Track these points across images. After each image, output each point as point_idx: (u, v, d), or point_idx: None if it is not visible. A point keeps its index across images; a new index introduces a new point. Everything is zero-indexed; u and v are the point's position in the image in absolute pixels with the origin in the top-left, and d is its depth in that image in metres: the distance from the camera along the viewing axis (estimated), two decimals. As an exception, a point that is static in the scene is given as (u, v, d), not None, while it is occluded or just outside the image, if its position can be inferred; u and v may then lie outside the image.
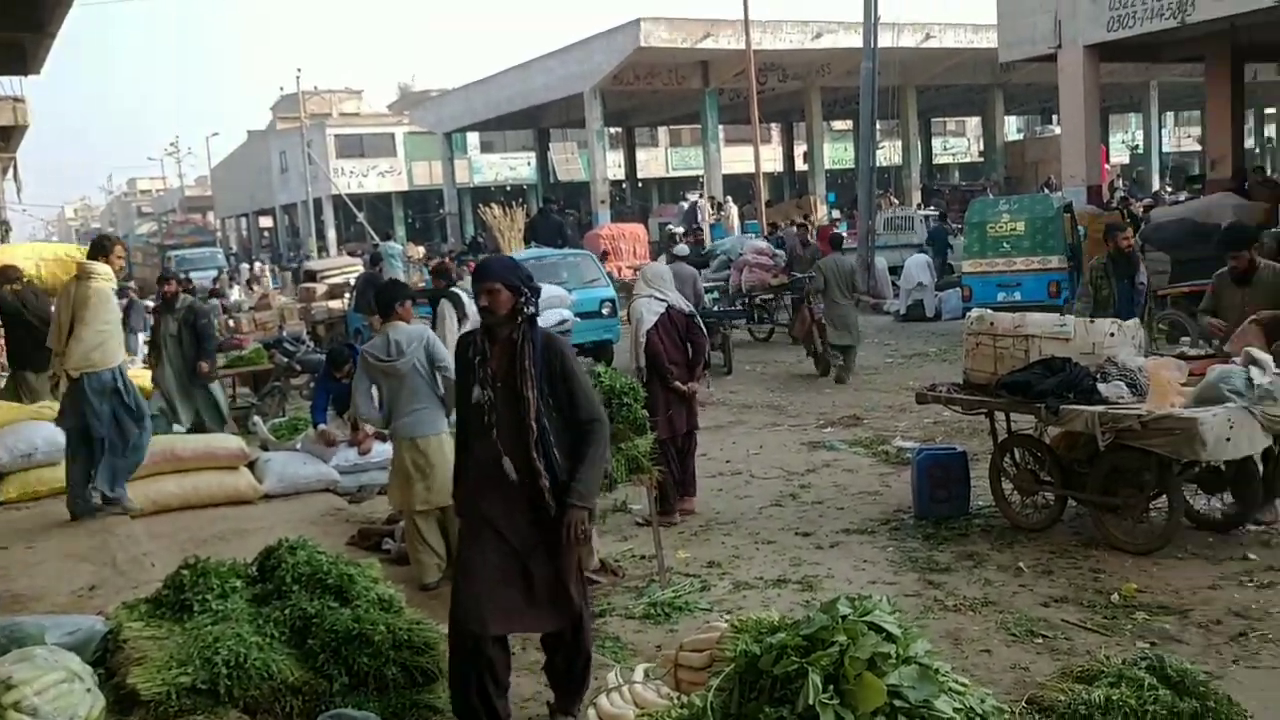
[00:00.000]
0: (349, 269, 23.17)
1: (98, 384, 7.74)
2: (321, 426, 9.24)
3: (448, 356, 6.55)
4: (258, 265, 44.05)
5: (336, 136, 53.46)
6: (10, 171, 25.27)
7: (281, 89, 67.98)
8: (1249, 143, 48.24)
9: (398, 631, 4.69)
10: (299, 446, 9.39)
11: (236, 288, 31.03)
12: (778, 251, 18.68)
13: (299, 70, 73.75)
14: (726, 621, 3.59)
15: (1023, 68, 31.12)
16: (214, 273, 34.71)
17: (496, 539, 4.39)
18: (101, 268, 7.94)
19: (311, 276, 23.77)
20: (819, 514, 7.98)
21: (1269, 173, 29.48)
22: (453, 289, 10.48)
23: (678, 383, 8.00)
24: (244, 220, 71.09)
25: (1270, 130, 53.12)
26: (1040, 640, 5.42)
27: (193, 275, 26.69)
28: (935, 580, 6.39)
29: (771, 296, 17.91)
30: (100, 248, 8.23)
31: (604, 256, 22.57)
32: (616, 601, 6.40)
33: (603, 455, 4.51)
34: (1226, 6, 16.47)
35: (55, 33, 14.11)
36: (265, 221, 68.52)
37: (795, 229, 22.16)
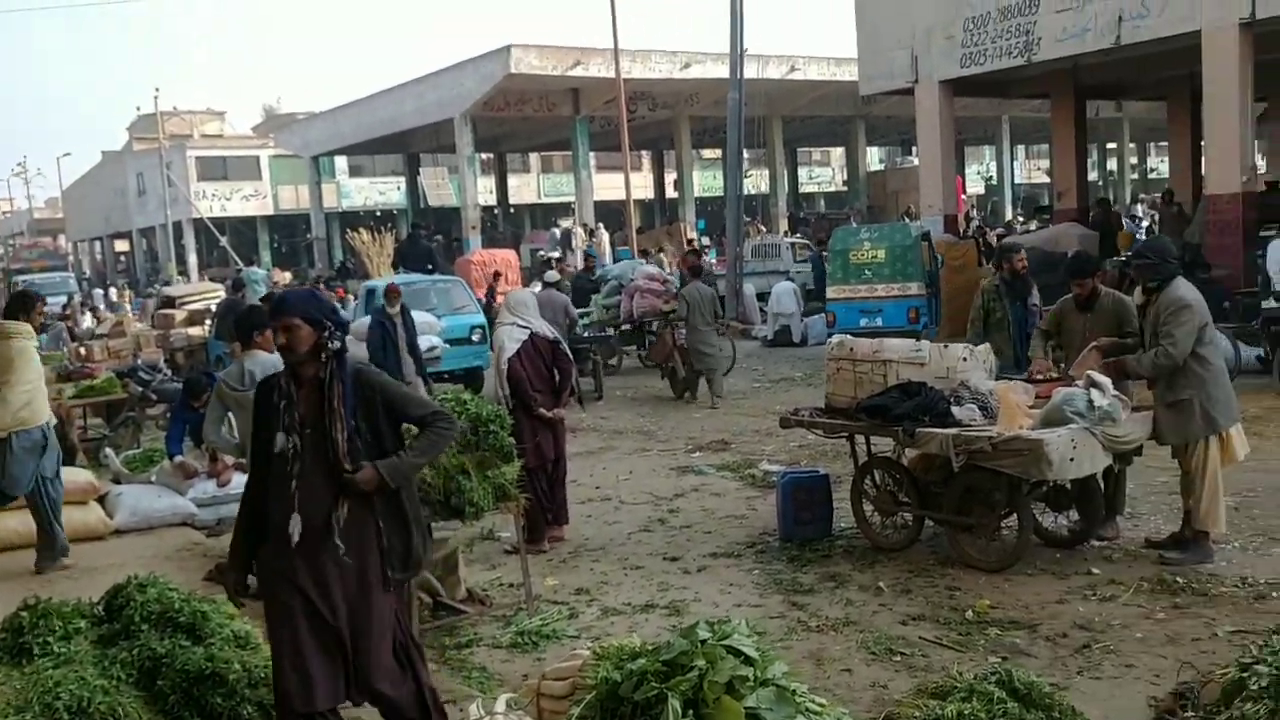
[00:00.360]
0: (210, 295, 22.51)
1: (28, 441, 7.47)
2: (178, 458, 8.93)
3: None
4: (113, 291, 42.50)
5: (198, 158, 51.99)
6: None
7: (139, 109, 65.76)
8: (1093, 175, 50.77)
9: (253, 670, 4.56)
10: (154, 479, 9.05)
11: (88, 314, 29.82)
12: (669, 277, 18.52)
13: (157, 90, 71.56)
14: (589, 649, 3.59)
15: (883, 100, 32.17)
16: (64, 299, 33.30)
17: (308, 607, 4.05)
18: (23, 326, 7.81)
19: (170, 303, 23.01)
20: (687, 538, 8.06)
21: (1113, 203, 30.97)
22: None
23: (542, 409, 7.99)
24: (98, 244, 68.46)
25: (1112, 164, 55.95)
26: (899, 658, 5.56)
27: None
28: (799, 601, 6.50)
29: (662, 322, 16.94)
30: (20, 305, 8.07)
31: (497, 277, 22.48)
32: (484, 631, 6.35)
33: (434, 445, 4.26)
34: (1069, 48, 17.33)
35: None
36: (122, 245, 66.10)
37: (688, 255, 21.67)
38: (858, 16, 20.76)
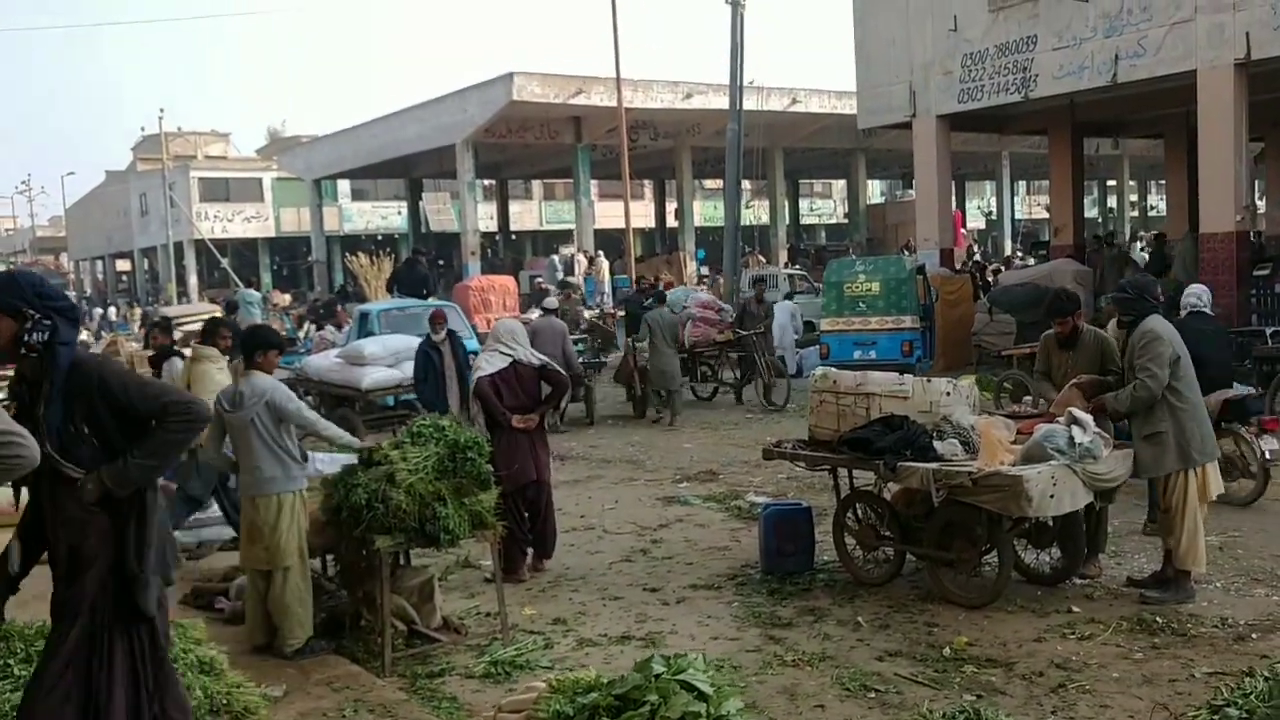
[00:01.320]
0: (205, 316, 22.49)
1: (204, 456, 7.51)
2: (162, 480, 8.88)
3: (295, 409, 6.36)
4: (112, 310, 42.54)
5: (201, 179, 52.13)
6: None
7: (143, 129, 65.90)
8: (1093, 212, 50.91)
9: (215, 695, 4.53)
10: (135, 500, 9.01)
11: (85, 334, 29.84)
12: (724, 306, 17.99)
13: (161, 111, 71.51)
14: (545, 681, 3.55)
15: (883, 134, 32.27)
16: (63, 317, 33.29)
17: (68, 635, 3.66)
18: (210, 351, 9.13)
19: (166, 323, 22.99)
20: (668, 569, 8.00)
21: (1112, 240, 30.99)
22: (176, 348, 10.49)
23: (515, 420, 7.91)
24: (100, 263, 68.59)
25: (1112, 200, 56.10)
26: (873, 695, 5.50)
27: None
28: (776, 635, 6.45)
29: (717, 354, 17.06)
30: (211, 331, 9.41)
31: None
32: (457, 660, 6.29)
33: (165, 444, 3.80)
34: (1066, 85, 17.43)
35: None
36: (123, 265, 66.19)
37: (752, 285, 20.42)
38: (857, 51, 20.88)
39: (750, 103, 25.39)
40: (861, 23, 20.73)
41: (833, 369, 7.90)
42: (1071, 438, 6.29)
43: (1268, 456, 8.58)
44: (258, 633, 6.36)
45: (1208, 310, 8.83)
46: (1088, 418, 6.43)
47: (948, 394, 7.23)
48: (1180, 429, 6.53)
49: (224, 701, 4.53)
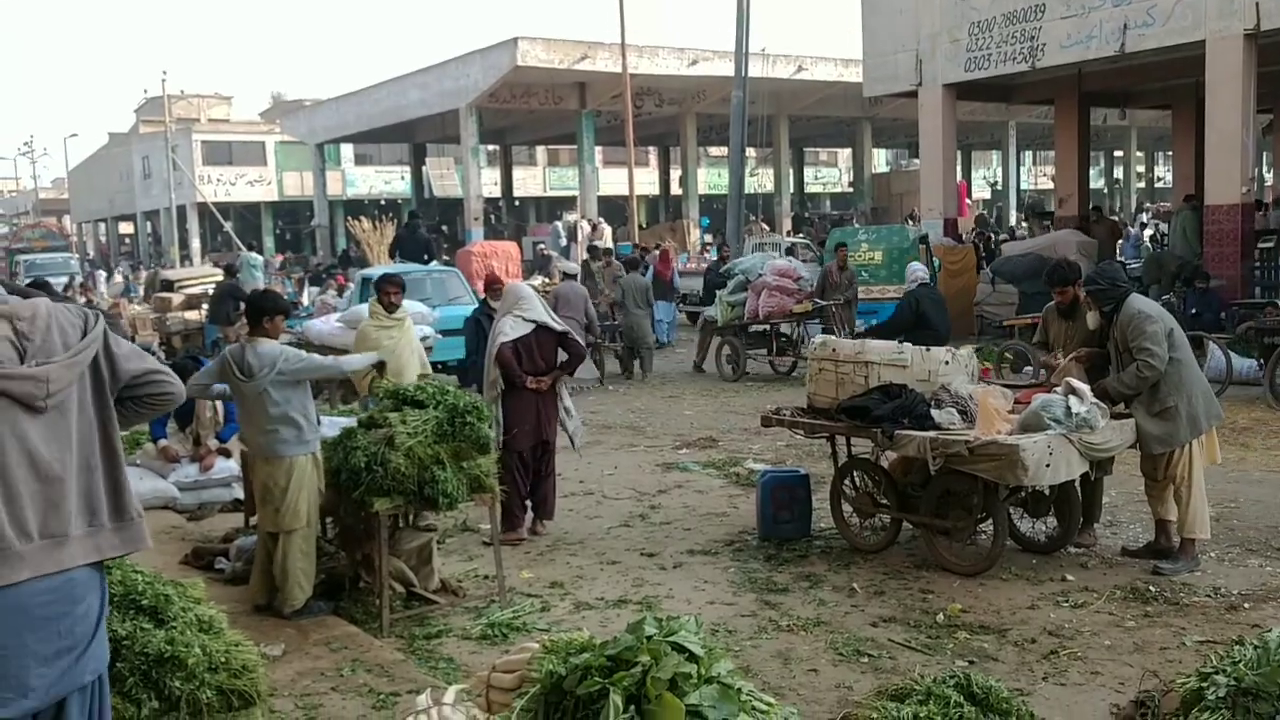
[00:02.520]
0: (207, 279, 22.52)
1: None
2: (162, 442, 8.94)
3: (306, 364, 6.33)
4: (117, 274, 42.51)
5: (204, 143, 52.03)
6: None
7: (146, 91, 65.71)
8: (1100, 183, 50.68)
9: (214, 654, 4.53)
10: (137, 462, 9.06)
11: (84, 296, 29.85)
12: (803, 274, 16.15)
13: (164, 73, 71.44)
14: (539, 642, 3.58)
15: (890, 102, 32.14)
16: (65, 279, 33.34)
17: None
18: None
19: (169, 286, 23.03)
20: (665, 535, 8.04)
21: (1116, 211, 30.90)
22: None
23: (529, 380, 7.99)
24: (103, 226, 68.54)
25: (1119, 171, 55.84)
26: (866, 660, 5.55)
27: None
28: (771, 601, 6.49)
29: (795, 325, 15.63)
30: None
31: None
32: (454, 622, 6.33)
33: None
34: (1073, 54, 17.31)
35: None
36: (126, 228, 66.15)
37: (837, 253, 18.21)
38: (864, 19, 20.74)
39: (756, 70, 25.28)
40: (868, -11, 20.59)
41: (832, 337, 7.90)
42: (1069, 407, 6.31)
43: None
44: (259, 593, 6.40)
45: (928, 280, 12.34)
46: (1085, 388, 6.43)
47: (946, 363, 7.24)
48: (1189, 399, 6.57)
49: (222, 659, 4.54)
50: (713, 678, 3.13)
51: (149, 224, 59.54)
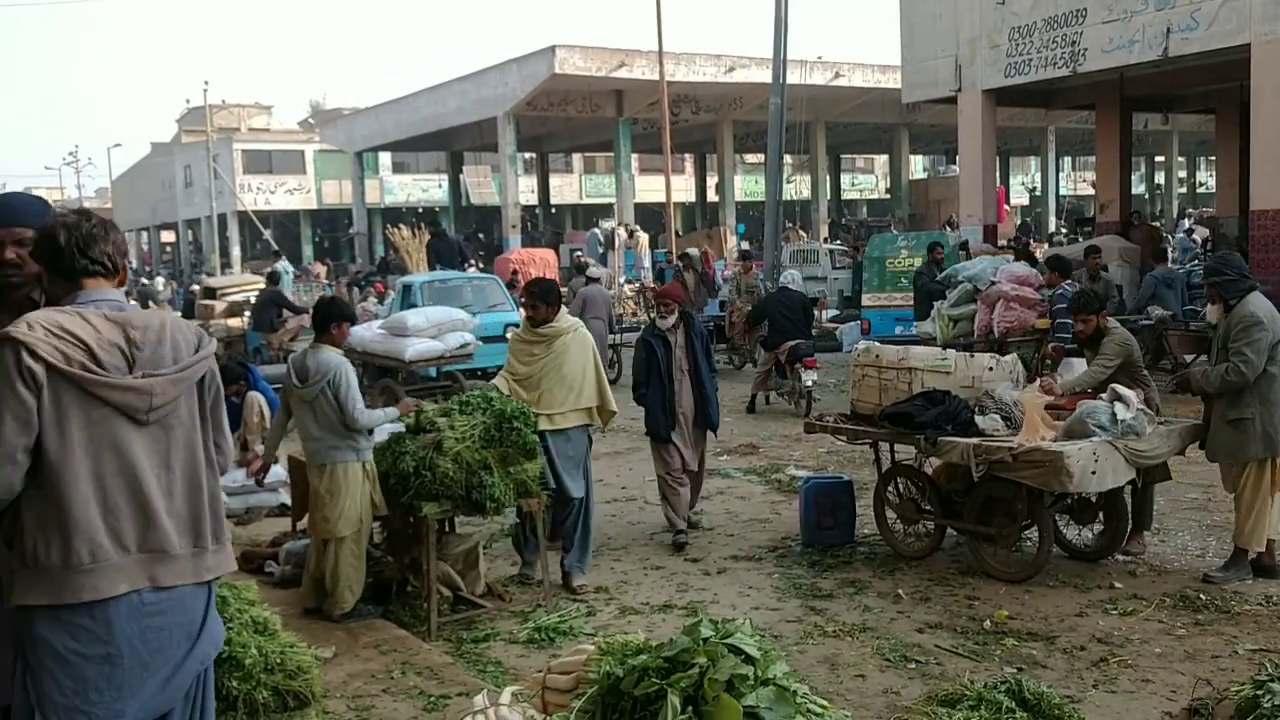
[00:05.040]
0: (250, 287, 22.77)
1: None
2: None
3: (352, 399, 6.29)
4: (159, 280, 43.01)
5: (244, 151, 52.60)
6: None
7: (188, 101, 66.53)
8: (1140, 189, 50.17)
9: (270, 655, 4.62)
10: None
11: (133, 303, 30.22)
12: (1043, 282, 12.79)
13: (206, 83, 72.11)
14: (594, 644, 3.62)
15: (927, 109, 31.97)
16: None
17: None
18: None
19: (211, 294, 23.32)
20: (709, 540, 8.06)
21: (1158, 216, 30.61)
22: None
23: None
24: (145, 234, 69.43)
25: (1160, 177, 55.27)
26: (913, 665, 5.55)
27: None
28: (817, 606, 6.50)
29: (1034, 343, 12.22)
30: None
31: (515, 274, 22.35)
32: (501, 626, 6.39)
33: None
34: (1115, 59, 17.17)
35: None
36: (167, 236, 66.94)
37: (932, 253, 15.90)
38: (902, 25, 20.68)
39: (793, 77, 25.22)
40: (907, -5, 20.54)
41: (875, 343, 7.91)
42: (1114, 414, 6.28)
43: (809, 385, 12.97)
44: (310, 596, 6.49)
45: (794, 287, 13.97)
46: (1131, 394, 6.40)
47: (990, 369, 7.23)
48: (1269, 416, 6.39)
49: (278, 660, 4.63)
50: (769, 680, 3.15)
51: (190, 232, 60.25)
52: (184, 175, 56.23)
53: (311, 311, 6.96)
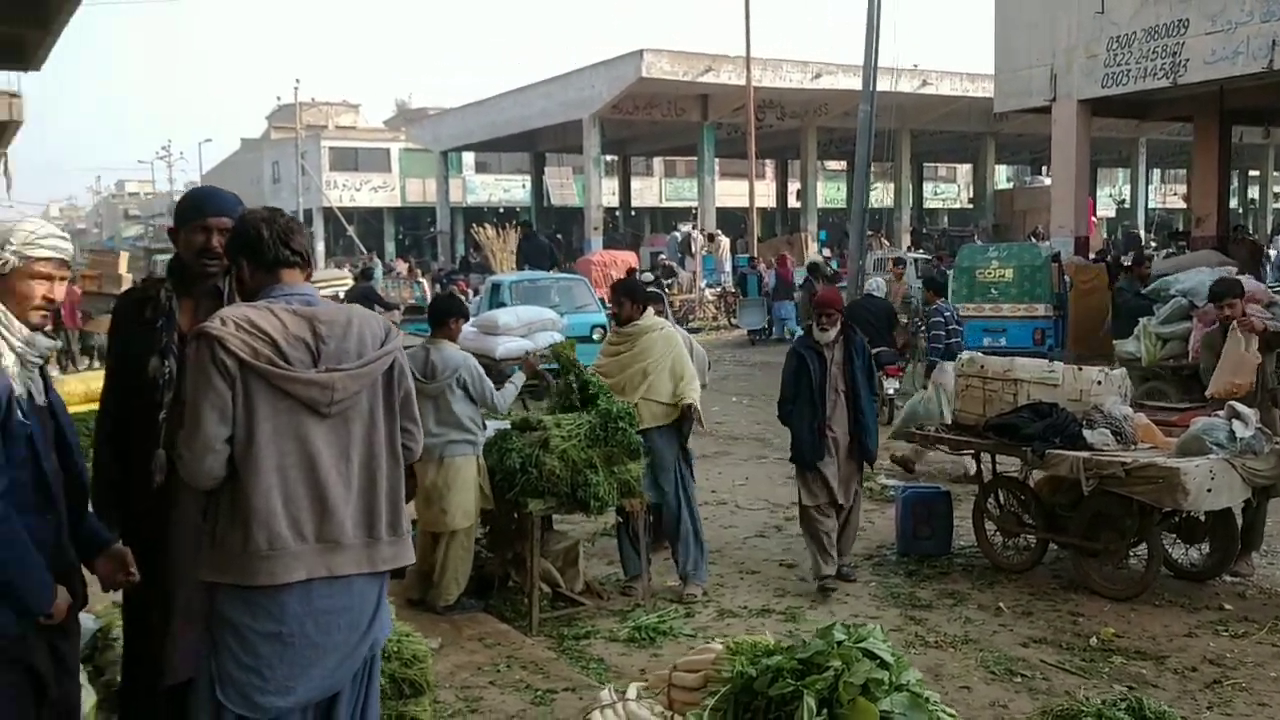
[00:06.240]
0: (339, 282, 23.21)
1: None
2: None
3: (489, 389, 6.49)
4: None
5: (331, 149, 53.51)
6: (1, 167, 25.28)
7: (279, 98, 67.88)
8: (1234, 202, 48.88)
9: (388, 643, 4.73)
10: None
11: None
12: (1276, 297, 11.26)
13: (297, 81, 73.72)
14: (721, 643, 3.67)
15: (1016, 118, 31.52)
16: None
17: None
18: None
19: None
20: (803, 546, 8.00)
21: (1253, 231, 29.84)
22: None
23: None
24: (233, 228, 70.84)
25: (1254, 191, 53.83)
26: (1019, 679, 5.50)
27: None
28: (916, 616, 6.47)
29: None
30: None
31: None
32: (600, 624, 6.45)
33: None
34: (1217, 70, 16.79)
35: (59, 30, 14.12)
36: (254, 231, 68.21)
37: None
38: (997, 33, 20.43)
39: (881, 84, 24.96)
40: (1003, 4, 20.27)
41: (979, 354, 7.85)
42: (1232, 431, 6.16)
43: (890, 393, 12.59)
44: (414, 588, 6.61)
45: (877, 294, 13.68)
46: (1249, 412, 6.28)
47: (1099, 383, 7.13)
48: None
49: (394, 648, 4.74)
50: (903, 685, 3.18)
51: (276, 227, 61.34)
52: (272, 171, 57.37)
53: (428, 308, 7.10)
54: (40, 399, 2.96)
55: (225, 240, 3.37)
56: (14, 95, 19.22)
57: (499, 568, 6.94)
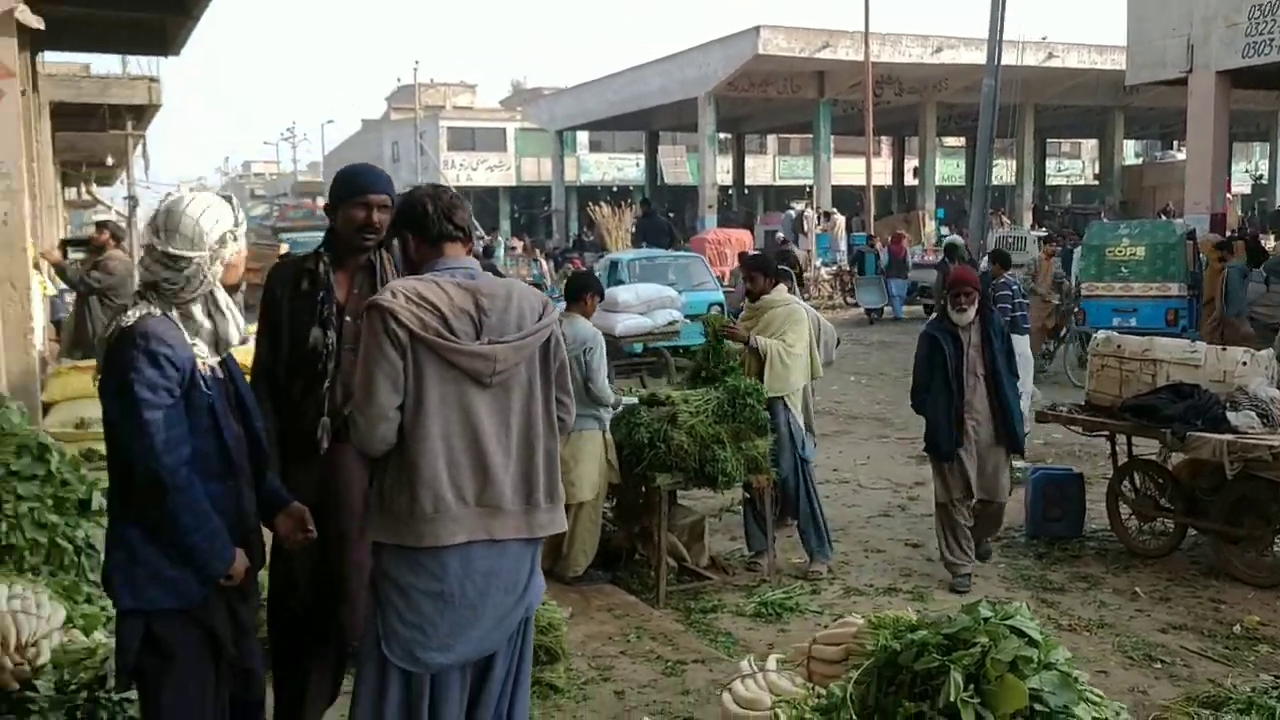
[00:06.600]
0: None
1: None
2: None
3: (601, 371, 6.51)
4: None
5: (449, 129, 54.39)
6: (140, 149, 26.33)
7: (398, 80, 69.36)
8: (1382, 178, 46.40)
9: (527, 609, 4.84)
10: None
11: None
12: None
13: (416, 62, 74.86)
14: (864, 618, 3.68)
15: (1146, 91, 30.41)
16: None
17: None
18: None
19: (422, 265, 24.34)
20: (927, 526, 7.94)
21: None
22: None
23: None
24: (354, 208, 72.54)
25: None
26: (1159, 665, 5.39)
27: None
28: (1049, 599, 6.37)
29: None
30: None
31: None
32: (727, 599, 6.50)
33: None
34: (1372, 36, 15.98)
35: (199, 15, 14.61)
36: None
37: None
38: (1129, 2, 19.74)
39: (1005, 58, 24.42)
40: (1136, -28, 19.59)
41: (1114, 333, 7.65)
42: (1390, 416, 5.90)
43: None
44: (544, 558, 6.72)
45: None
46: None
47: (1243, 363, 6.89)
48: None
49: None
50: (1051, 664, 3.14)
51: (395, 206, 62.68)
52: (392, 151, 58.55)
53: (564, 283, 7.21)
54: (219, 370, 3.12)
55: (386, 216, 3.55)
56: (153, 80, 20.01)
57: (625, 541, 7.03)
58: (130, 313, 2.95)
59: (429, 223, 3.17)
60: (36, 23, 7.54)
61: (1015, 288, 10.90)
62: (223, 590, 3.06)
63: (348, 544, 3.52)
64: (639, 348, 14.57)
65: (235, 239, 3.05)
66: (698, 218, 34.37)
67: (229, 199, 3.18)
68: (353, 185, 3.70)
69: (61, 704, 3.70)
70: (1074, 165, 60.75)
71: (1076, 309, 15.02)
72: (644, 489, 6.63)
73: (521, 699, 3.32)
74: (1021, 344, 9.71)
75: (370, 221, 3.63)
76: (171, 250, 2.97)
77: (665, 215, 35.13)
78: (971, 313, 6.68)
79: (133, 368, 2.87)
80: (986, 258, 13.51)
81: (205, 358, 3.04)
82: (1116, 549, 7.25)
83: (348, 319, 3.67)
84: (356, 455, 3.37)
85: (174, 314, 3.00)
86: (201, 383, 3.00)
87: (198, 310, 3.02)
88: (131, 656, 2.97)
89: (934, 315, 7.47)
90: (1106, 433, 7.40)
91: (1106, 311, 16.01)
